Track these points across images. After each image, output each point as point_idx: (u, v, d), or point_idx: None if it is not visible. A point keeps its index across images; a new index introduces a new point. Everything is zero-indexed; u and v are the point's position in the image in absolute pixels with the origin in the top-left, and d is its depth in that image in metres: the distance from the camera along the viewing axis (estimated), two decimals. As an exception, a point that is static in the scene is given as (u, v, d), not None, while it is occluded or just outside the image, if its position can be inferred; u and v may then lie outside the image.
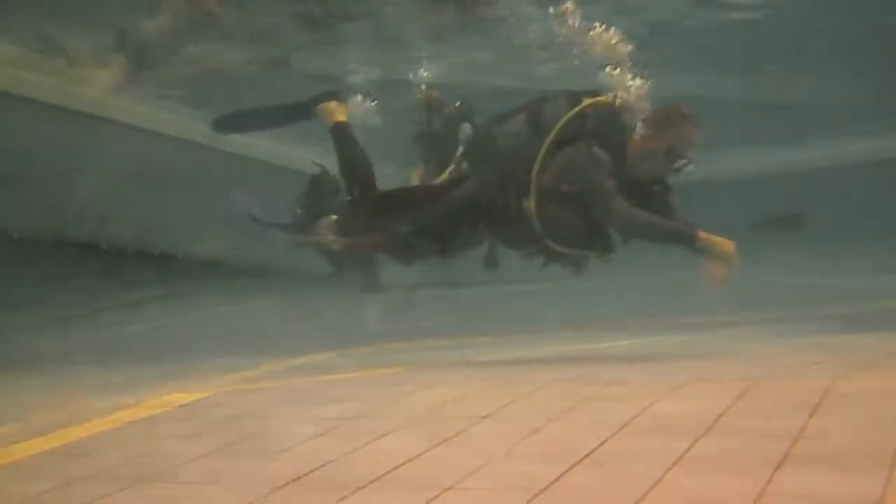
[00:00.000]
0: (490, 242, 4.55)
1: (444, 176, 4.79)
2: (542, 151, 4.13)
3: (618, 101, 4.19)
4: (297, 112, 5.20)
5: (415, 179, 7.56)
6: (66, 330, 8.47)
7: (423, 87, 7.85)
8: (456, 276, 12.66)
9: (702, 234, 3.88)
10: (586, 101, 4.20)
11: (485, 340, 6.42)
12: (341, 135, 4.93)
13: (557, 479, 1.93)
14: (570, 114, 4.17)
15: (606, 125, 4.15)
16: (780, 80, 10.74)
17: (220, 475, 2.22)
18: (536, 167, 4.12)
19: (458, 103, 7.42)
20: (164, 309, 9.06)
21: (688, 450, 2.05)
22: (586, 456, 2.07)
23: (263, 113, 5.54)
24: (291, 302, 9.51)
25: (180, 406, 3.19)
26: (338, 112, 4.99)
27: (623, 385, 2.96)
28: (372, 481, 2.04)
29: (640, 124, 4.14)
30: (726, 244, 3.86)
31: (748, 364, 3.61)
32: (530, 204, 4.13)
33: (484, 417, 2.56)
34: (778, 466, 1.88)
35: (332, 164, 8.46)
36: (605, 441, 2.18)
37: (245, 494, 2.01)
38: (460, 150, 4.72)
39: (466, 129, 7.21)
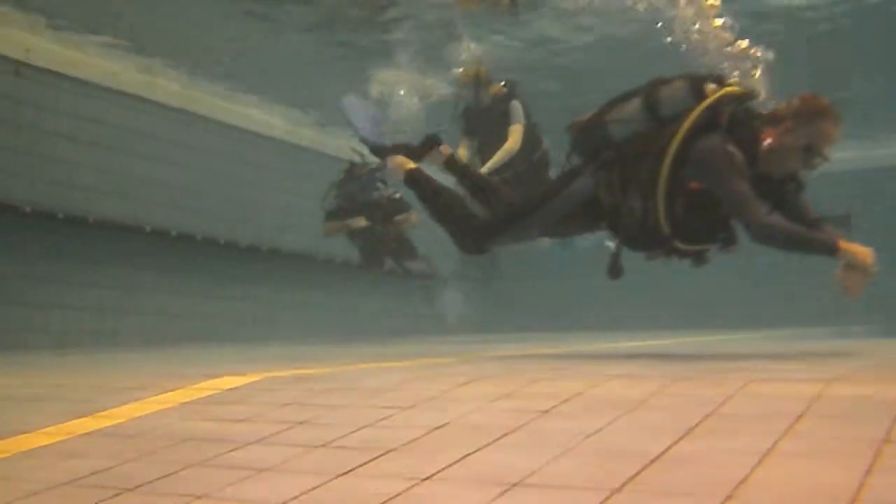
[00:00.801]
0: (616, 247, 4.07)
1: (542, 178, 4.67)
2: (674, 146, 3.72)
3: (750, 91, 3.87)
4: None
5: (460, 155, 7.48)
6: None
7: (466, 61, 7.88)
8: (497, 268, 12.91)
9: (843, 244, 3.56)
10: (719, 90, 3.78)
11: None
12: (415, 183, 4.62)
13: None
14: (704, 105, 3.73)
15: (739, 118, 3.78)
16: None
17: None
18: (667, 163, 3.72)
19: (503, 82, 7.46)
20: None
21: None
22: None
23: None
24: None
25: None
26: (406, 162, 4.70)
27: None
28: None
29: (769, 117, 3.77)
30: (866, 253, 3.55)
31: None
32: (658, 203, 3.76)
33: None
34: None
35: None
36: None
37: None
38: (569, 143, 4.22)
39: (516, 106, 7.25)
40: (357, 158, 8.61)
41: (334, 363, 4.03)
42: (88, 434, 2.53)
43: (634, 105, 3.93)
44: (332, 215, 8.84)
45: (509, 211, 4.30)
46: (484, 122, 7.35)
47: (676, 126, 3.75)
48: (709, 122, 3.73)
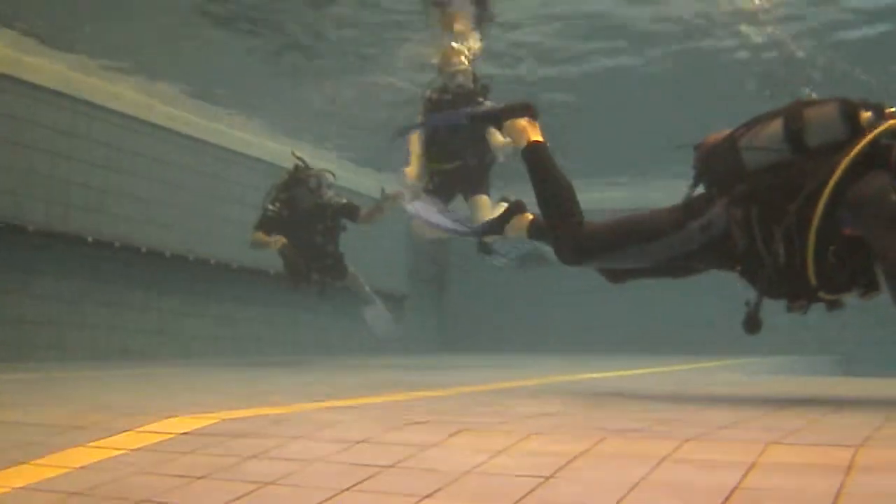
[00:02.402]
0: (755, 297, 3.47)
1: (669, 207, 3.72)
2: (831, 185, 3.15)
3: None
4: (488, 120, 4.64)
5: (414, 145, 7.20)
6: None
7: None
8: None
9: None
10: (877, 119, 3.24)
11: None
12: (536, 159, 4.04)
13: None
14: (869, 138, 3.18)
15: None
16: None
17: None
18: (821, 205, 3.16)
19: (477, 81, 7.10)
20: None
21: None
22: None
23: (450, 116, 5.02)
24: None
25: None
26: (531, 130, 4.11)
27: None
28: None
29: None
30: None
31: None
32: (807, 250, 3.24)
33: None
34: None
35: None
36: None
37: None
38: (695, 168, 3.65)
39: (488, 105, 6.95)
40: (297, 163, 8.19)
41: (296, 398, 3.74)
42: (25, 489, 2.22)
43: (774, 130, 3.38)
44: (267, 222, 8.03)
45: (621, 232, 3.76)
46: (447, 110, 6.95)
47: (829, 161, 3.20)
48: (868, 159, 3.18)
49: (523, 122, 4.10)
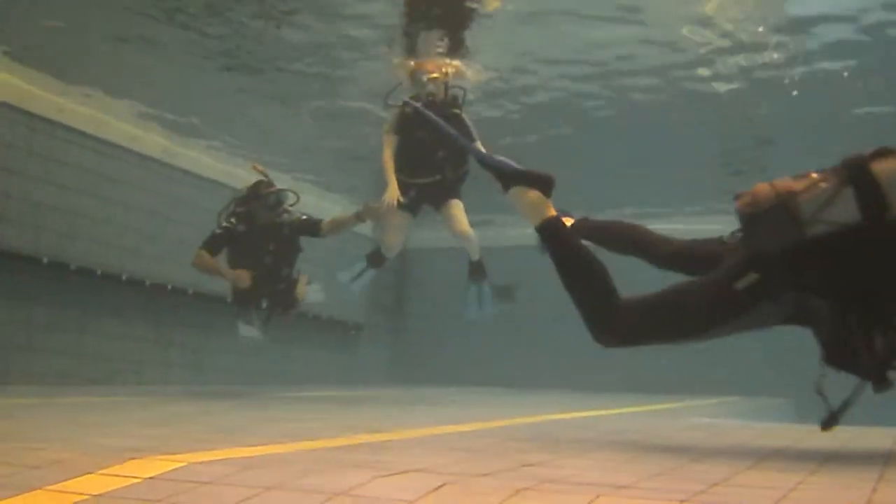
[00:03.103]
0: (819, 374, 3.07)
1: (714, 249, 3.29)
2: None
3: None
4: (496, 174, 3.62)
5: (386, 153, 7.09)
6: None
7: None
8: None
9: None
10: None
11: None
12: (556, 240, 3.45)
13: None
14: None
15: None
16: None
17: None
18: None
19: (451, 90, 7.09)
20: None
21: None
22: None
23: (459, 140, 4.34)
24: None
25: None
26: (543, 206, 3.48)
27: None
28: None
29: None
30: None
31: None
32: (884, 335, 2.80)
33: None
34: None
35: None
36: None
37: None
38: (741, 228, 3.07)
39: (467, 121, 6.96)
40: (263, 178, 7.74)
41: (264, 437, 3.59)
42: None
43: (840, 192, 2.78)
44: (218, 238, 7.48)
45: (666, 316, 3.24)
46: (421, 124, 6.90)
47: None
48: None
49: (535, 195, 3.48)
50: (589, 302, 3.38)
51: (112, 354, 9.32)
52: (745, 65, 8.36)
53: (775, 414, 10.07)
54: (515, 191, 3.53)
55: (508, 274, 13.80)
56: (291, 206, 7.68)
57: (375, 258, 7.94)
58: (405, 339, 14.79)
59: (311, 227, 7.64)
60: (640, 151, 10.76)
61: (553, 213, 3.50)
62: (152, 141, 10.20)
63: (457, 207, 7.42)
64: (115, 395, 7.00)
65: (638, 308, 3.30)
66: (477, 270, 7.98)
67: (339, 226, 7.64)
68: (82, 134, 9.23)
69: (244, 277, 7.38)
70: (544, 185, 3.49)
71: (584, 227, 3.81)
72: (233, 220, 7.48)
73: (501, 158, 3.61)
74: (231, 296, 7.84)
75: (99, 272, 9.09)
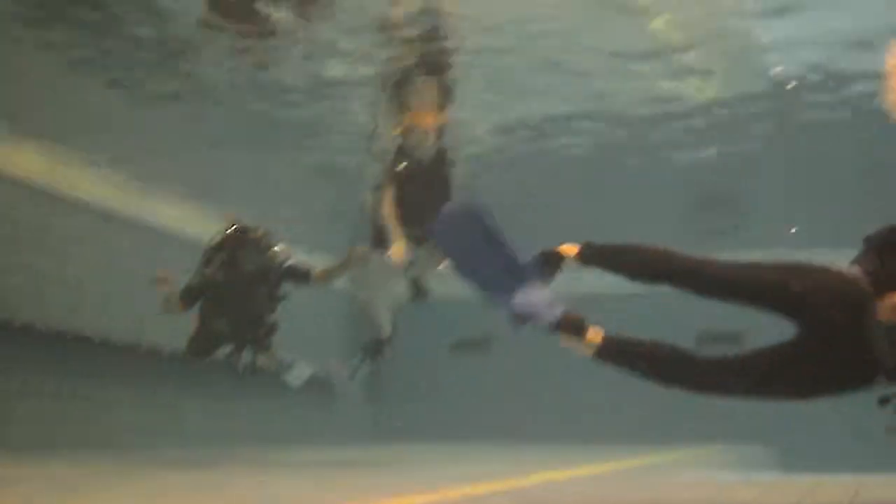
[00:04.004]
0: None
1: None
2: None
3: None
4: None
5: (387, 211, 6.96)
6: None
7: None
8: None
9: None
10: None
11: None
12: (615, 359, 3.42)
13: None
14: None
15: None
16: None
17: None
18: None
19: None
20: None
21: None
22: None
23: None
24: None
25: None
26: (581, 342, 3.42)
27: None
28: None
29: None
30: None
31: None
32: None
33: None
34: None
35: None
36: None
37: None
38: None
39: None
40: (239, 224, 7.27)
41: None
42: None
43: None
44: (195, 288, 7.08)
45: (768, 375, 3.25)
46: (417, 180, 6.89)
47: None
48: None
49: (571, 339, 3.42)
50: (687, 379, 3.41)
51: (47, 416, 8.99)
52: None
53: (760, 463, 9.99)
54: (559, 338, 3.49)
55: (483, 326, 13.74)
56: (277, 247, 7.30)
57: (374, 347, 7.79)
58: (383, 393, 14.59)
59: (302, 275, 7.32)
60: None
61: (598, 338, 3.39)
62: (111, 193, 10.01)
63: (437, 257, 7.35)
64: (88, 464, 6.73)
65: (740, 367, 3.33)
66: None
67: (328, 275, 7.37)
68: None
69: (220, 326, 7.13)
70: (576, 328, 3.40)
71: (596, 255, 3.48)
72: (210, 268, 7.07)
73: (534, 312, 3.42)
74: (194, 339, 7.38)
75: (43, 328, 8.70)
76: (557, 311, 3.37)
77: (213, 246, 7.22)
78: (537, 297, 3.38)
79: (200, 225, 9.95)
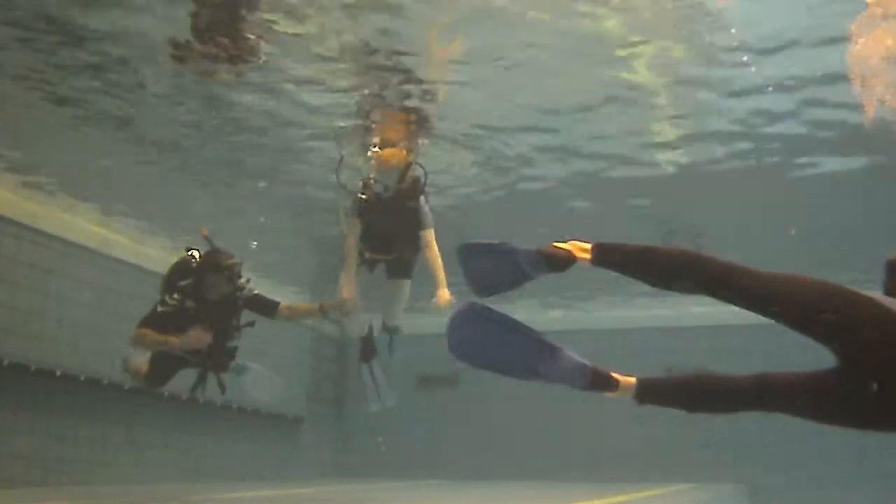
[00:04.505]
0: None
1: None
2: None
3: None
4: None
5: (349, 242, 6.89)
6: None
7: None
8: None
9: None
10: None
11: None
12: (658, 401, 3.26)
13: None
14: None
15: None
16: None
17: None
18: None
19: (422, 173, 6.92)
20: None
21: None
22: None
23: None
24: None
25: None
26: (623, 389, 3.26)
27: None
28: None
29: None
30: None
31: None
32: None
33: None
34: None
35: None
36: None
37: None
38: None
39: (425, 206, 6.85)
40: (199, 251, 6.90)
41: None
42: None
43: None
44: (160, 317, 6.63)
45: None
46: (381, 210, 6.92)
47: None
48: None
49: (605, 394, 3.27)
50: (740, 402, 3.18)
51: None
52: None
53: (732, 501, 9.89)
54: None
55: (450, 362, 13.58)
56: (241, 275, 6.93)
57: (367, 348, 7.64)
58: (347, 430, 14.32)
59: (268, 308, 6.95)
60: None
61: (630, 381, 3.23)
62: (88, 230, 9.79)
63: (404, 289, 7.35)
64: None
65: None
66: (367, 349, 7.65)
67: (296, 314, 7.14)
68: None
69: (199, 336, 6.56)
70: (605, 384, 3.23)
71: (611, 256, 3.20)
72: (176, 296, 6.66)
73: (566, 366, 3.25)
74: (151, 369, 6.99)
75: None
76: (583, 374, 3.20)
77: (178, 271, 6.85)
78: (563, 363, 3.19)
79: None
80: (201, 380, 7.04)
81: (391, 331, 7.67)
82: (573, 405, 10.00)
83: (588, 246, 3.14)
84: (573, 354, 3.20)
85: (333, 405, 14.49)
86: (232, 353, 7.01)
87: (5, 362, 8.25)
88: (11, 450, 8.48)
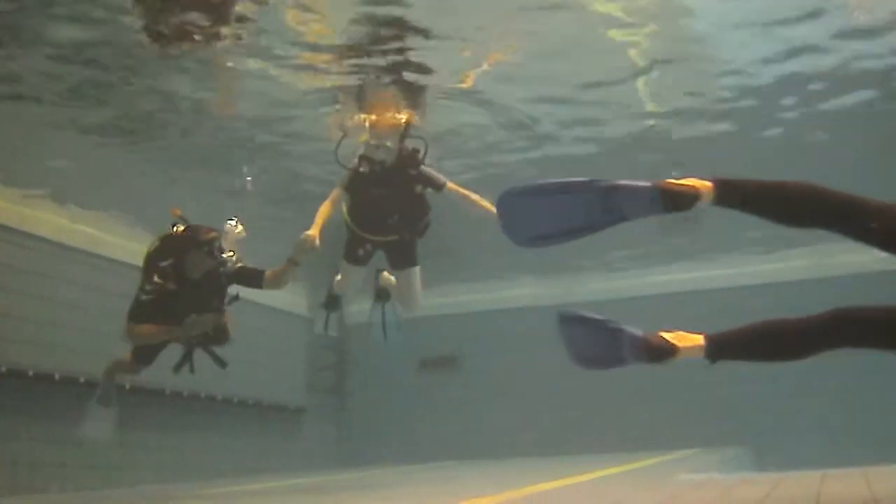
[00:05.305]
0: None
1: None
2: None
3: None
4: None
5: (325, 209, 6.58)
6: None
7: None
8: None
9: None
10: None
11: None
12: (734, 357, 3.06)
13: None
14: None
15: None
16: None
17: None
18: None
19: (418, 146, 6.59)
20: None
21: None
22: None
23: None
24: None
25: None
26: (690, 347, 3.03)
27: None
28: None
29: None
30: None
31: None
32: None
33: None
34: None
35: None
36: None
37: None
38: None
39: (432, 170, 6.68)
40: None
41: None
42: None
43: None
44: (144, 306, 6.37)
45: None
46: (379, 182, 6.58)
47: None
48: None
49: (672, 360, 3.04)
50: (825, 343, 2.98)
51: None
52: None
53: (736, 464, 9.90)
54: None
55: (451, 343, 13.55)
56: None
57: (330, 302, 7.55)
58: (350, 418, 14.30)
59: (254, 278, 6.75)
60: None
61: (697, 341, 3.02)
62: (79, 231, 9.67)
63: (414, 278, 7.06)
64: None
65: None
66: (383, 294, 7.52)
67: (278, 277, 6.76)
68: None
69: (203, 321, 6.48)
70: (664, 352, 3.02)
71: (737, 195, 2.94)
72: (159, 279, 6.39)
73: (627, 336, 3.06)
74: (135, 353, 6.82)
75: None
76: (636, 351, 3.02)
77: (156, 253, 6.57)
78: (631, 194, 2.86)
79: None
80: (187, 358, 6.85)
81: (382, 294, 7.44)
82: (574, 378, 9.96)
83: (709, 184, 2.84)
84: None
85: (335, 395, 14.49)
86: (224, 330, 6.81)
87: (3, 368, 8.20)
88: (15, 456, 8.44)
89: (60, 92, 7.23)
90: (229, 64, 7.04)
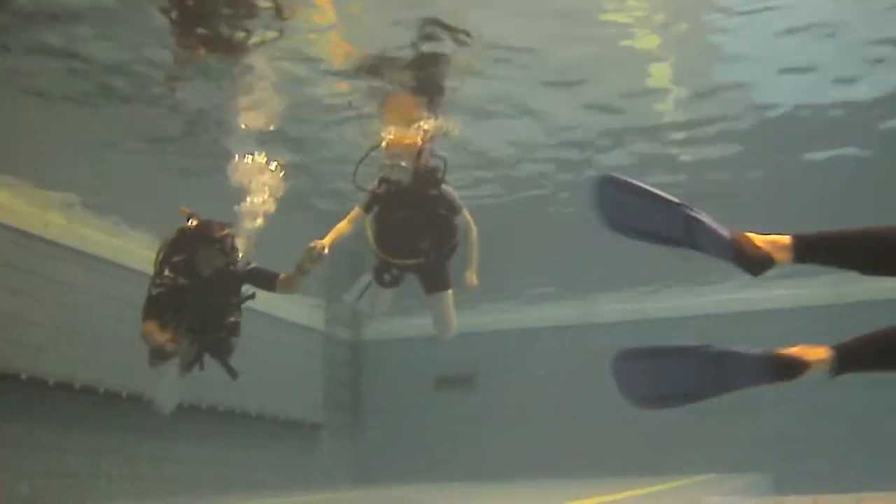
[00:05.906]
0: None
1: None
2: None
3: None
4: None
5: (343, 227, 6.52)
6: None
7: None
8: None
9: None
10: None
11: None
12: (857, 366, 2.85)
13: None
14: None
15: None
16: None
17: None
18: None
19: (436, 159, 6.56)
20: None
21: None
22: None
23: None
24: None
25: None
26: (816, 361, 2.82)
27: None
28: None
29: None
30: None
31: None
32: None
33: None
34: None
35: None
36: None
37: None
38: None
39: (452, 192, 6.57)
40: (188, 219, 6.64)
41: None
42: None
43: None
44: (158, 303, 6.35)
45: None
46: (399, 204, 6.53)
47: None
48: None
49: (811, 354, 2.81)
50: None
51: None
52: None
53: (757, 489, 9.78)
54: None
55: (469, 362, 13.48)
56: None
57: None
58: (366, 435, 14.24)
59: (268, 280, 6.67)
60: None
61: (823, 353, 2.83)
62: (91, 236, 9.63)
63: (447, 301, 6.99)
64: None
65: None
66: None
67: (290, 283, 6.66)
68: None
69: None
70: (794, 366, 2.85)
71: (814, 251, 2.81)
72: (170, 273, 6.37)
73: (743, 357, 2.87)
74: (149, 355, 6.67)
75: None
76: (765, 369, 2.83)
77: (169, 247, 6.58)
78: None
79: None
80: (198, 357, 6.78)
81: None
82: (591, 399, 9.93)
83: (787, 241, 2.71)
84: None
85: (351, 412, 14.44)
86: (233, 329, 6.75)
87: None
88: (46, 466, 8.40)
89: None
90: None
